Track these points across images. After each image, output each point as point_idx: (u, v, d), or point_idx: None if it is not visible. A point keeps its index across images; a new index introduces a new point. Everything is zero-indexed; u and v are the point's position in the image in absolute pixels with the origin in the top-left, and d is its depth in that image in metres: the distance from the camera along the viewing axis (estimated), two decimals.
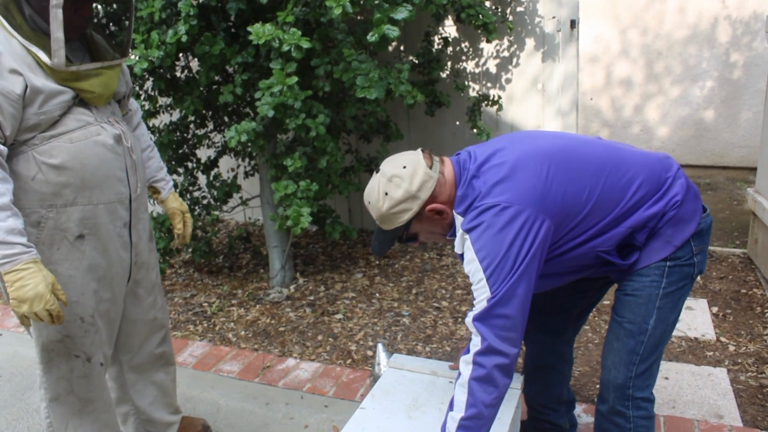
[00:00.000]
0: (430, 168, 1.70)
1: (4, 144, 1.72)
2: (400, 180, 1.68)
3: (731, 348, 3.02)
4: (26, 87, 1.71)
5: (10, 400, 2.87)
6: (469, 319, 1.62)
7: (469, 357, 1.61)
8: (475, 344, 1.60)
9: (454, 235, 1.74)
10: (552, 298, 2.02)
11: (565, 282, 1.85)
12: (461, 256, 1.70)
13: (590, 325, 3.28)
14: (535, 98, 4.17)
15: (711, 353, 2.99)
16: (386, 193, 1.69)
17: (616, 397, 1.80)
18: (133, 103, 2.25)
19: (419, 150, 1.76)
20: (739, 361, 2.91)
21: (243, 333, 3.43)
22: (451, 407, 1.66)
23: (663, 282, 1.71)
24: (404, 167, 1.69)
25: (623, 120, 6.25)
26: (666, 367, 2.88)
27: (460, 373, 1.64)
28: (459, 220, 1.69)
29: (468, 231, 1.62)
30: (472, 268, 1.61)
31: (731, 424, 2.47)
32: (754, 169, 5.43)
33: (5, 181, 1.70)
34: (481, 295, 1.60)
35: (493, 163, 1.68)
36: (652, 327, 1.73)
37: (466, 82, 4.27)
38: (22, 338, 3.43)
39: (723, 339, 3.10)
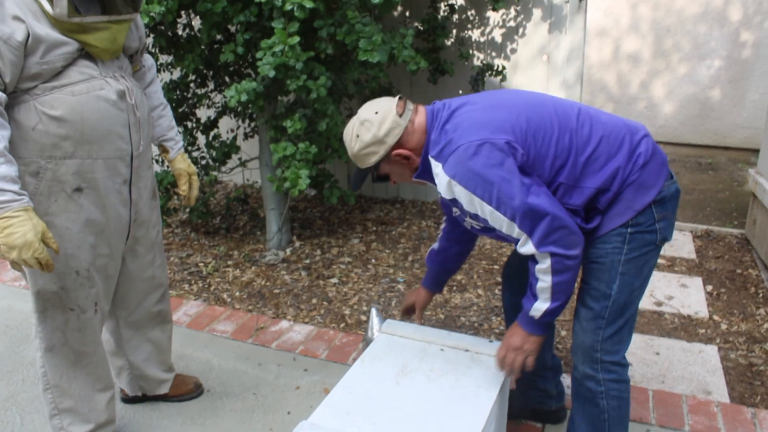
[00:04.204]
0: (401, 116, 1.80)
1: (4, 91, 1.70)
2: (370, 124, 1.80)
3: (723, 326, 3.03)
4: (28, 35, 1.68)
5: (5, 352, 2.89)
6: (530, 249, 1.69)
7: (546, 283, 1.72)
8: (544, 266, 1.71)
9: (421, 176, 1.86)
10: (521, 272, 2.09)
11: None
12: (452, 201, 1.77)
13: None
14: (539, 69, 4.12)
15: (703, 331, 3.00)
16: (357, 135, 1.82)
17: (584, 361, 1.84)
18: (148, 60, 2.21)
19: (398, 97, 1.86)
20: (731, 339, 2.93)
21: (238, 294, 3.44)
22: (532, 300, 1.79)
23: (624, 248, 1.75)
24: (376, 113, 1.81)
25: (628, 96, 6.20)
26: (657, 343, 2.90)
27: (536, 297, 1.77)
28: (437, 166, 1.75)
29: (453, 177, 1.70)
30: (475, 208, 1.70)
31: (719, 400, 2.49)
32: (756, 151, 5.41)
33: (1, 127, 1.68)
34: (502, 224, 1.69)
35: (466, 108, 1.79)
36: (616, 292, 1.76)
37: (471, 51, 4.22)
38: (17, 292, 3.45)
39: (716, 317, 3.11)
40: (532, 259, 1.74)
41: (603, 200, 1.75)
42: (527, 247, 1.70)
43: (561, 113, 1.77)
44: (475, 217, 1.76)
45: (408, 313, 2.48)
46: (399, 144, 1.81)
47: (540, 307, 1.77)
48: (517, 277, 2.20)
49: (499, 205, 1.66)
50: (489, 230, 1.82)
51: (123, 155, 1.95)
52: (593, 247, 1.78)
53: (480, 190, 1.66)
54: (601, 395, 1.84)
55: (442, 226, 2.27)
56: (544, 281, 1.73)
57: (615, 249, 1.75)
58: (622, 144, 1.74)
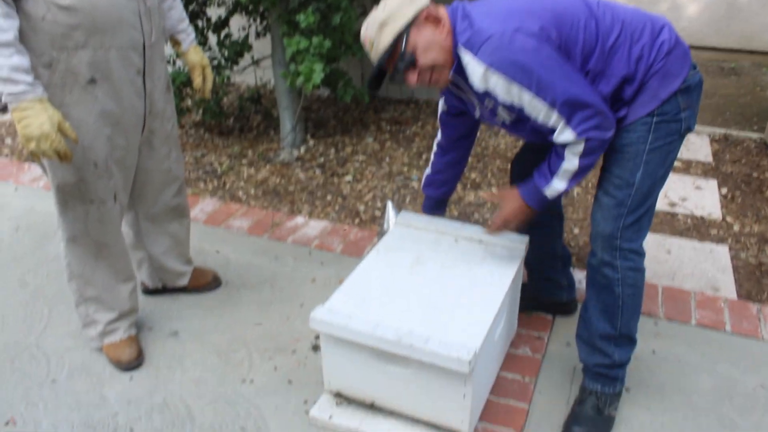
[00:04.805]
0: None
1: None
2: None
3: (736, 228, 3.04)
4: None
5: (29, 249, 2.96)
6: (568, 136, 1.68)
7: (573, 165, 1.73)
8: (578, 149, 1.70)
9: (457, 71, 1.76)
10: (532, 160, 2.08)
11: None
12: (485, 94, 1.73)
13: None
14: None
15: (715, 231, 3.02)
16: (384, 7, 1.73)
17: (604, 248, 1.85)
18: None
19: None
20: (742, 240, 2.94)
21: (253, 192, 3.47)
22: (549, 178, 1.80)
23: (650, 137, 1.73)
24: None
25: None
26: (669, 242, 2.92)
27: (554, 175, 1.79)
28: (467, 54, 1.68)
29: (491, 65, 1.64)
30: (512, 97, 1.67)
31: (726, 297, 2.54)
32: None
33: (9, 16, 1.65)
34: (540, 112, 1.67)
35: (488, 2, 1.75)
36: (639, 180, 1.76)
37: None
38: (37, 192, 3.49)
39: (729, 219, 3.12)
40: (562, 144, 1.74)
41: (629, 90, 1.73)
42: (565, 135, 1.68)
43: (581, 3, 1.74)
44: (510, 107, 1.73)
45: None
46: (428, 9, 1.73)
47: (557, 186, 1.79)
48: (525, 172, 2.19)
49: (539, 91, 1.64)
50: (520, 123, 1.80)
51: (136, 45, 1.92)
52: (618, 136, 1.77)
53: (519, 77, 1.63)
54: (617, 282, 1.86)
55: (434, 150, 2.25)
56: (571, 163, 1.73)
57: (640, 138, 1.74)
58: (644, 30, 1.71)
